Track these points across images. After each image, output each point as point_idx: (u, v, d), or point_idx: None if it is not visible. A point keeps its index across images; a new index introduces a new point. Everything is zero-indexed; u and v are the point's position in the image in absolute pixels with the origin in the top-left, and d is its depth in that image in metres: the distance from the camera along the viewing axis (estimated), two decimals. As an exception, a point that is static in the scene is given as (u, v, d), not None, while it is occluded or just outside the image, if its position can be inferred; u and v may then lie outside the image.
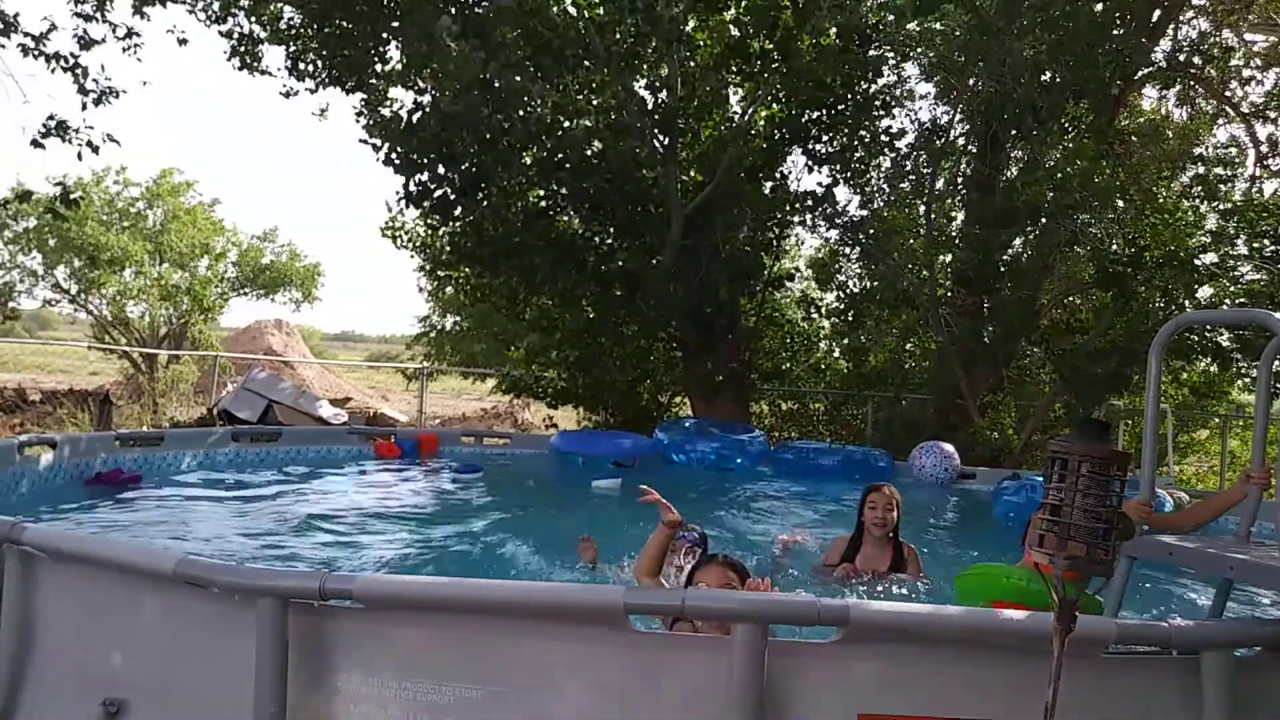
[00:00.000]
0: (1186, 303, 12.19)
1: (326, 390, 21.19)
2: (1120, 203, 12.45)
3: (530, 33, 10.44)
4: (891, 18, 12.97)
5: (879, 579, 5.11)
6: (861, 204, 14.77)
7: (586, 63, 11.27)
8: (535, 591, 2.90)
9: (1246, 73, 15.50)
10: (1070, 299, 14.93)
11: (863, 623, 2.63)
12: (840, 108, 12.91)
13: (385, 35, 12.70)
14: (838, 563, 5.29)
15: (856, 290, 15.76)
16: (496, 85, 10.43)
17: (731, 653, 2.57)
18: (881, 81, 13.50)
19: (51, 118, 11.16)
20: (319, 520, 6.77)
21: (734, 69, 12.82)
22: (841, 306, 15.93)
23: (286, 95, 13.43)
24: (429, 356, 27.13)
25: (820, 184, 14.23)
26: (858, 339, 16.42)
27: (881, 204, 14.90)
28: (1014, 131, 13.22)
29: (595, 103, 12.62)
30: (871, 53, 12.75)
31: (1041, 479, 2.59)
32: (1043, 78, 12.64)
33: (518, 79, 10.66)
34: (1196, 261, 12.28)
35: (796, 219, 14.40)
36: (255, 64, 13.22)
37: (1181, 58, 14.88)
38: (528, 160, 12.40)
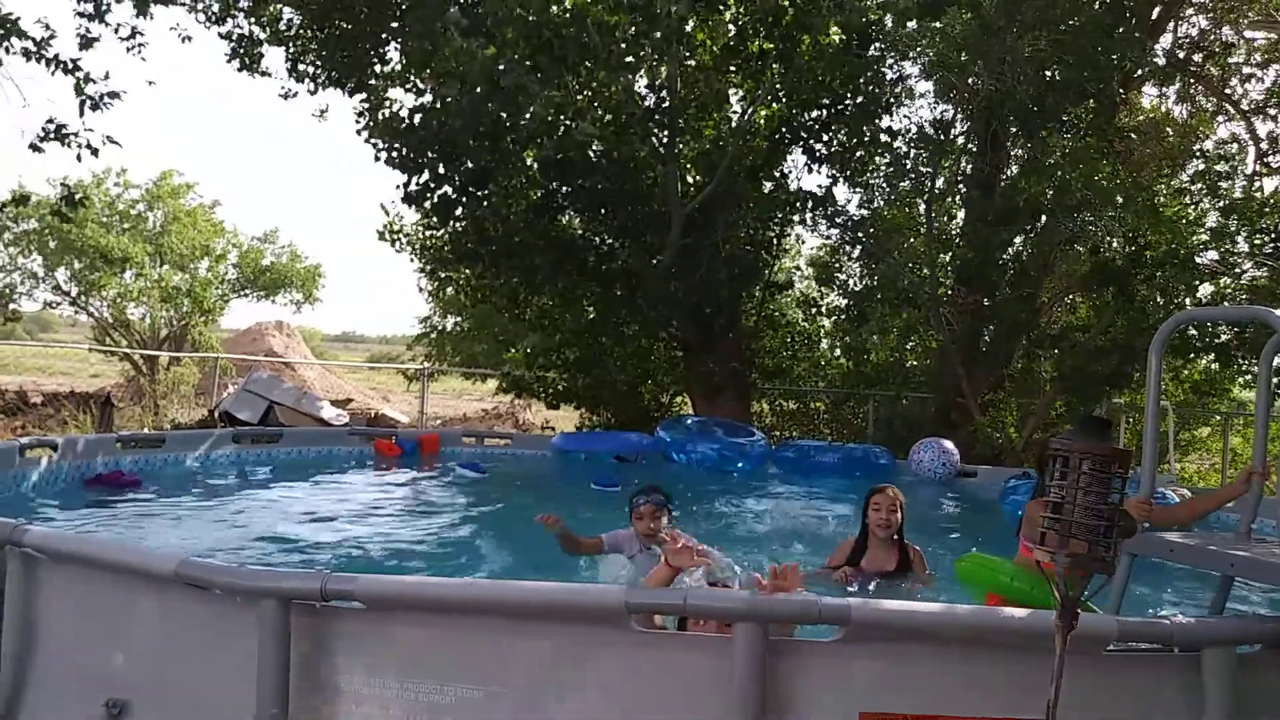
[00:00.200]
0: (1187, 301, 12.19)
1: (327, 391, 21.20)
2: (1120, 200, 12.44)
3: (529, 31, 10.44)
4: (890, 19, 12.97)
5: (885, 581, 5.10)
6: (862, 203, 14.77)
7: (586, 62, 11.27)
8: (536, 592, 2.90)
9: (1246, 70, 15.49)
10: (1071, 297, 14.92)
11: (864, 622, 2.64)
12: (840, 107, 12.91)
13: (385, 36, 12.71)
14: (843, 564, 5.29)
15: (858, 289, 15.75)
16: (502, 83, 10.41)
17: (733, 652, 2.57)
18: (882, 80, 13.49)
19: (51, 121, 11.15)
20: (320, 521, 6.77)
21: (734, 68, 12.83)
22: (843, 304, 15.93)
23: (286, 96, 13.45)
24: (430, 357, 27.13)
25: (820, 184, 14.24)
26: (859, 337, 16.41)
27: (882, 203, 14.90)
28: (1014, 130, 13.22)
29: (596, 103, 12.63)
30: (872, 52, 12.75)
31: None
32: (1044, 75, 12.63)
33: (523, 76, 10.66)
34: (1197, 259, 12.28)
35: (797, 218, 14.41)
36: (255, 65, 13.23)
37: (1181, 55, 14.87)
38: (529, 159, 12.41)
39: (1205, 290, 12.57)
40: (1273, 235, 12.05)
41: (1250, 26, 14.81)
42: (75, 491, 7.07)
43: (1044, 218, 12.74)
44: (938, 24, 12.61)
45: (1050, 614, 2.20)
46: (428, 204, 11.90)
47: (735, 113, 13.72)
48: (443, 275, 16.29)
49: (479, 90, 10.65)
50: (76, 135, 11.14)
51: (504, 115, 10.88)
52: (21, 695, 3.18)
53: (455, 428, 16.96)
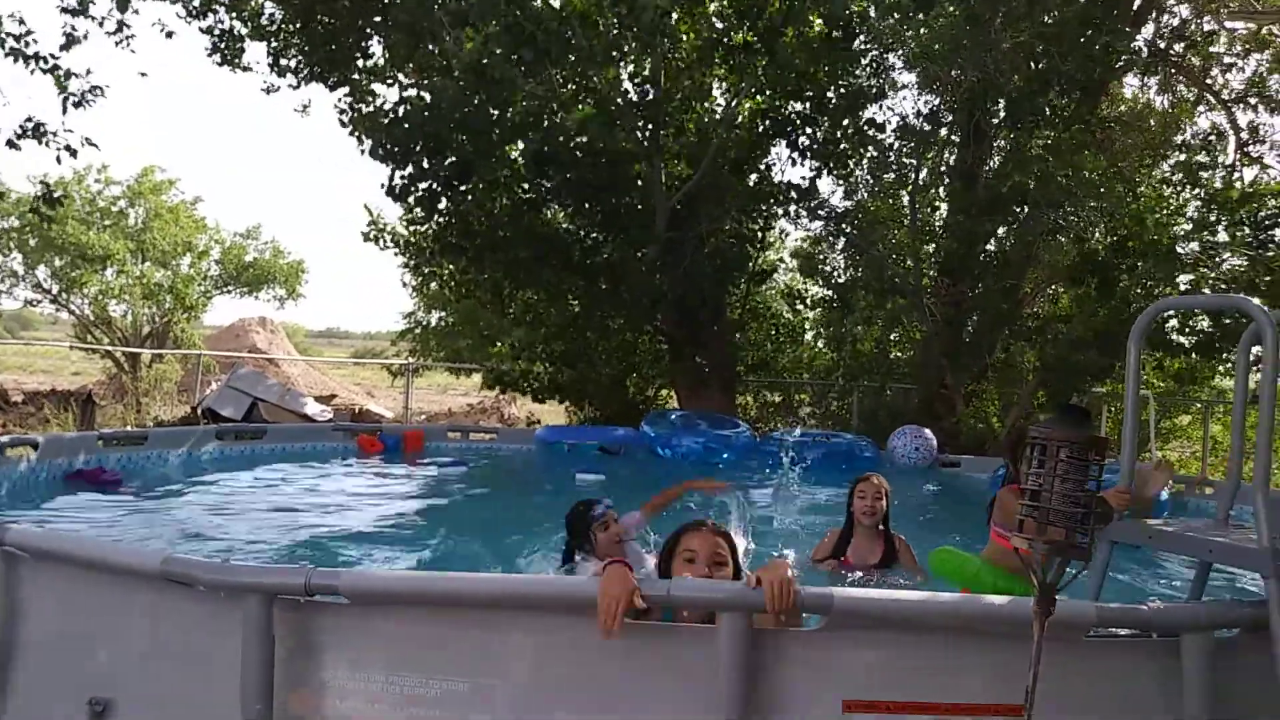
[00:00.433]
0: (1168, 290, 12.27)
1: (311, 387, 21.13)
2: (1102, 191, 12.51)
3: (512, 24, 10.42)
4: (874, 10, 12.99)
5: (872, 571, 5.12)
6: (845, 195, 14.80)
7: (570, 55, 11.25)
8: (520, 584, 2.91)
9: (1227, 59, 15.59)
10: (1053, 288, 15.01)
11: (846, 611, 2.65)
12: (824, 99, 12.93)
13: (368, 30, 12.66)
14: (829, 555, 5.31)
15: (842, 280, 15.80)
16: (490, 76, 10.39)
17: (718, 642, 2.59)
18: (865, 72, 13.53)
19: (29, 119, 11.08)
20: (304, 517, 6.77)
21: (717, 61, 12.83)
22: (827, 296, 15.98)
23: (268, 91, 13.38)
24: (414, 353, 27.06)
25: (804, 176, 14.27)
26: (843, 328, 16.47)
27: (865, 195, 14.95)
28: (997, 121, 13.28)
29: (580, 96, 12.62)
30: (855, 45, 12.77)
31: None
32: (1029, 66, 12.69)
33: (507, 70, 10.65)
34: (1178, 249, 12.36)
35: (781, 211, 14.43)
36: (237, 60, 13.15)
37: (1163, 45, 14.95)
38: (513, 154, 12.39)
39: (1185, 280, 12.66)
40: (1252, 225, 12.14)
41: (1230, 16, 14.90)
42: (57, 490, 7.03)
43: (1026, 209, 12.80)
44: (922, 16, 12.65)
45: (1029, 601, 2.23)
46: (412, 198, 11.86)
47: (719, 105, 13.72)
48: (426, 270, 16.25)
49: (463, 84, 10.63)
50: (55, 135, 11.07)
51: (488, 109, 10.85)
52: (5, 693, 3.17)
53: (440, 423, 16.94)
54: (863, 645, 2.70)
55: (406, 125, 11.09)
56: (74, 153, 11.26)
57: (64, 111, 11.02)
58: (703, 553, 3.11)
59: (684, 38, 12.68)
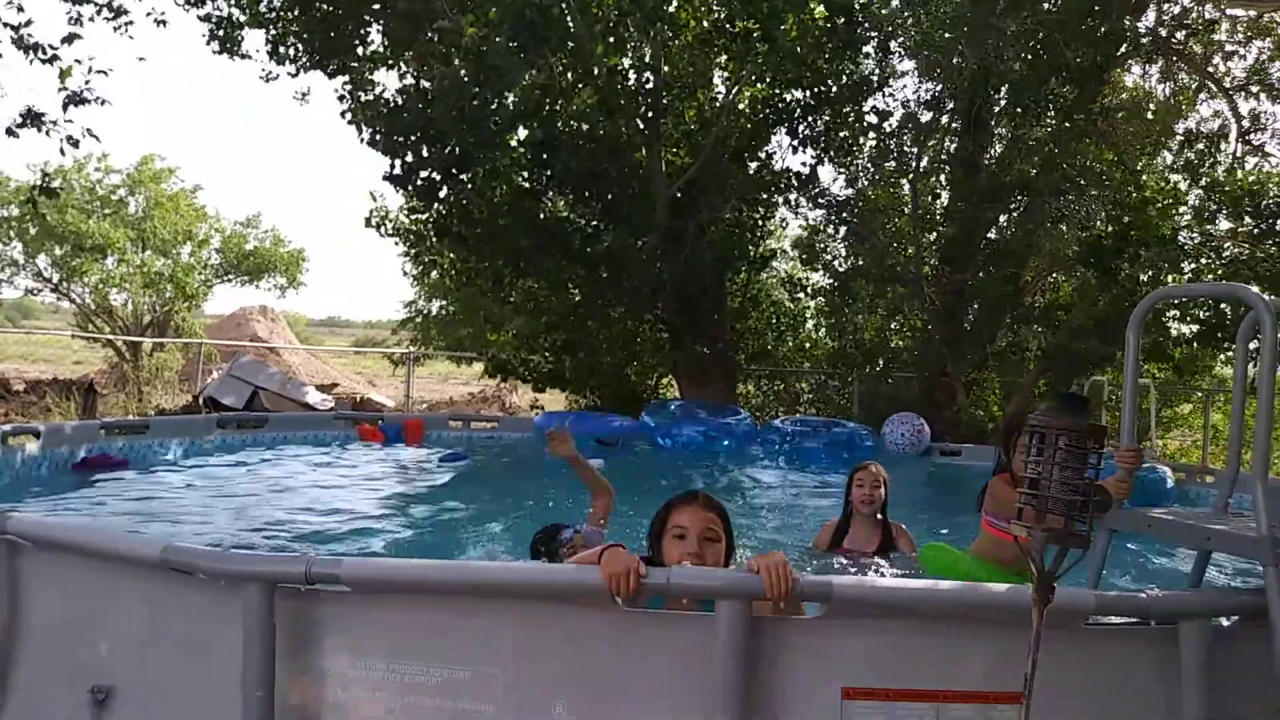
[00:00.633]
0: (1170, 279, 12.26)
1: (313, 376, 21.15)
2: (1104, 180, 12.49)
3: (513, 11, 10.39)
4: None
5: (869, 559, 5.13)
6: (846, 183, 14.78)
7: (569, 42, 11.22)
8: (521, 572, 2.92)
9: (1229, 47, 15.52)
10: (1054, 276, 15.00)
11: (845, 599, 2.66)
12: (824, 87, 12.90)
13: (367, 17, 12.62)
14: (828, 544, 5.32)
15: (843, 269, 15.79)
16: (490, 63, 10.36)
17: (717, 630, 2.59)
18: (866, 60, 13.50)
19: (29, 109, 11.07)
20: (305, 505, 6.78)
21: (718, 48, 12.79)
22: (828, 285, 15.97)
23: (266, 80, 13.35)
24: (415, 341, 27.08)
25: (805, 164, 14.26)
26: (844, 317, 16.47)
27: (866, 183, 14.92)
28: (998, 109, 13.25)
29: (581, 83, 12.59)
30: (857, 32, 12.73)
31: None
32: (1031, 53, 12.65)
33: (508, 55, 10.62)
34: (1180, 238, 12.34)
35: (781, 199, 14.41)
36: (235, 48, 13.11)
37: (1164, 32, 14.89)
38: (513, 141, 12.36)
39: (1187, 268, 12.64)
40: (1253, 214, 12.12)
41: (1231, 4, 14.83)
42: (59, 478, 7.05)
43: (1027, 196, 12.78)
44: (923, 3, 12.61)
45: (1028, 589, 2.23)
46: (411, 187, 11.85)
47: (720, 93, 13.69)
48: (427, 259, 16.25)
49: (462, 71, 10.60)
50: (55, 124, 11.07)
51: (488, 97, 10.83)
52: (7, 681, 3.18)
53: (442, 412, 16.96)
54: (862, 633, 2.71)
55: (405, 114, 11.07)
56: (75, 143, 11.26)
57: (64, 109, 11.02)
58: (693, 529, 3.02)
59: (684, 25, 12.65)
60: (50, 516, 4.98)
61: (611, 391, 14.12)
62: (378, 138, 11.37)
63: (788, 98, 13.00)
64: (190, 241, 25.96)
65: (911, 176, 14.28)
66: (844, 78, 12.90)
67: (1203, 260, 12.49)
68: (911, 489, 8.56)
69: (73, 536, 3.22)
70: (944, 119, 14.51)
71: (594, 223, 13.25)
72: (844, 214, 14.44)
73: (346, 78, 12.90)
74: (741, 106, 13.46)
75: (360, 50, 12.94)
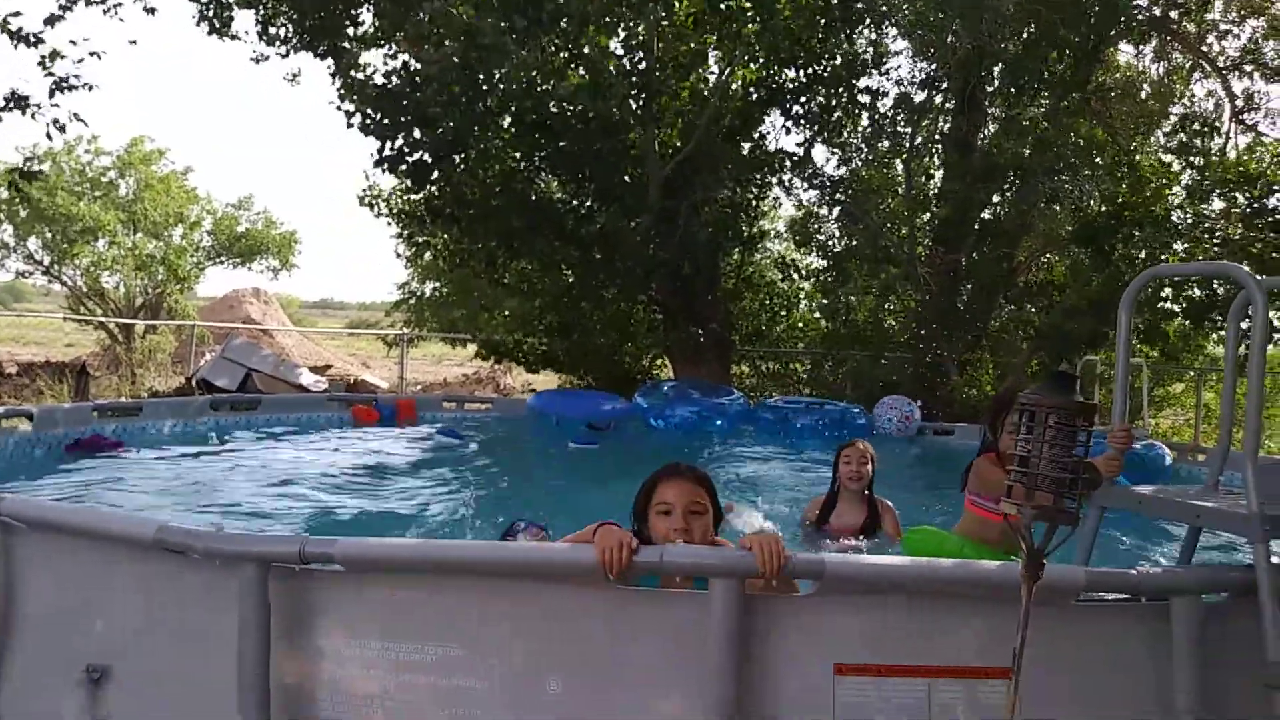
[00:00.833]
0: (1164, 258, 12.28)
1: (306, 358, 21.10)
2: (1098, 160, 12.49)
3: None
4: None
5: (854, 538, 5.14)
6: (840, 163, 14.76)
7: (562, 21, 11.16)
8: (513, 551, 2.93)
9: (1223, 26, 15.49)
10: (1047, 256, 15.02)
11: (838, 576, 2.68)
12: (818, 66, 12.86)
13: (358, -2, 12.52)
14: (815, 521, 5.35)
15: (837, 249, 15.78)
16: (481, 43, 10.29)
17: (710, 607, 2.61)
18: (860, 39, 13.46)
19: (13, 93, 11.02)
20: (299, 486, 6.78)
21: (711, 28, 12.73)
22: (822, 265, 15.97)
23: (257, 61, 13.25)
24: (409, 323, 27.03)
25: (798, 144, 14.24)
26: (838, 298, 16.48)
27: (860, 163, 14.90)
28: (991, 89, 13.22)
29: (573, 64, 12.53)
30: (851, 12, 12.68)
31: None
32: (1025, 32, 12.62)
33: (499, 35, 10.55)
34: (1173, 217, 12.36)
35: (775, 179, 14.39)
36: (225, 29, 13.01)
37: (1158, 11, 14.86)
38: (505, 122, 12.31)
39: (1180, 248, 12.67)
40: (1246, 194, 12.13)
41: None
42: (52, 460, 7.04)
43: (1021, 176, 12.78)
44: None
45: (1019, 565, 2.25)
46: (403, 169, 11.80)
47: (713, 73, 13.64)
48: (420, 240, 16.21)
49: (453, 52, 10.54)
50: (40, 107, 11.03)
51: (479, 78, 10.77)
52: (2, 661, 3.19)
53: (436, 393, 16.95)
54: (854, 610, 2.73)
55: (396, 97, 11.01)
56: (62, 128, 11.23)
57: (50, 95, 10.96)
58: (679, 504, 2.99)
59: (677, 3, 12.58)
60: (44, 498, 4.98)
61: (605, 373, 14.12)
62: (368, 122, 11.32)
63: (782, 77, 12.96)
64: (182, 224, 25.82)
65: (905, 157, 14.26)
66: (838, 57, 12.85)
67: (1196, 240, 12.51)
68: (904, 468, 8.60)
69: (67, 517, 3.22)
70: (938, 99, 14.48)
71: (587, 203, 13.22)
72: (837, 194, 14.43)
73: (337, 59, 12.80)
74: (735, 87, 13.41)
75: (351, 31, 12.84)
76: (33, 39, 10.82)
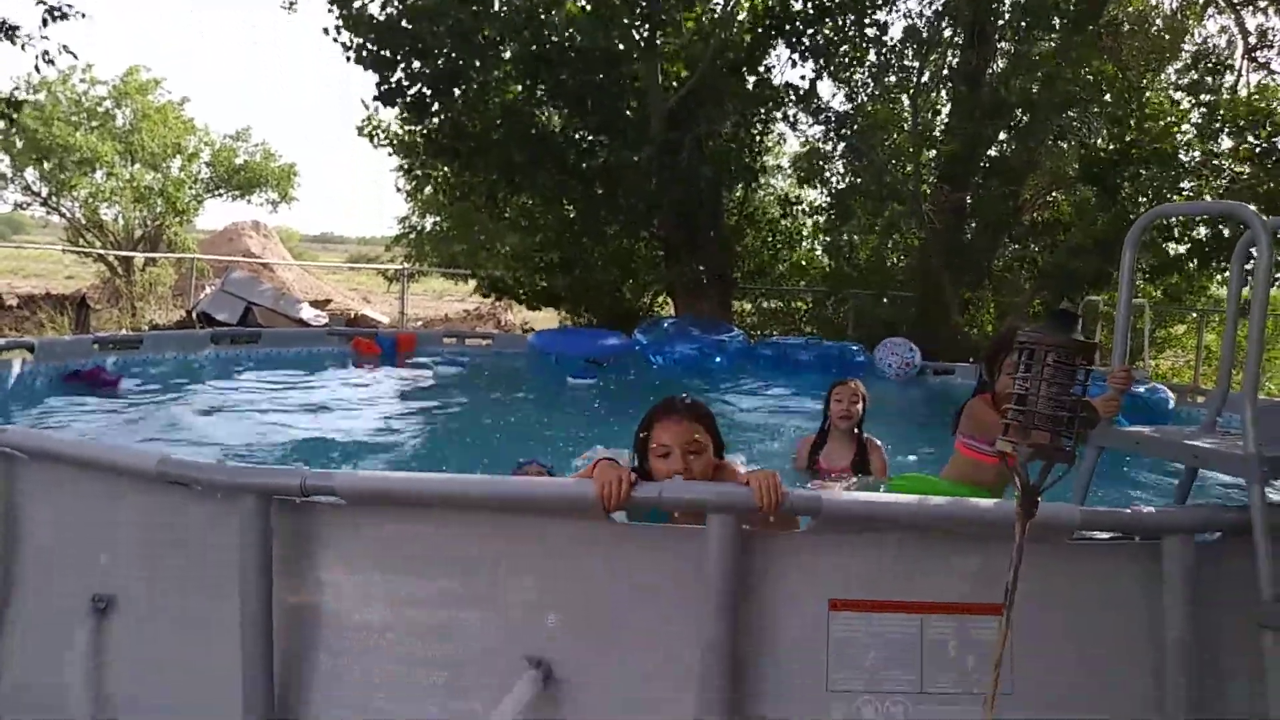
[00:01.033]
0: (1170, 197, 12.17)
1: (306, 292, 21.07)
2: (1107, 97, 12.31)
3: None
4: None
5: (843, 476, 5.17)
6: (846, 98, 14.57)
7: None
8: (514, 485, 2.94)
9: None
10: (1054, 195, 14.89)
11: (834, 513, 2.69)
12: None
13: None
14: (806, 459, 5.37)
15: (841, 186, 15.65)
16: None
17: (707, 543, 2.62)
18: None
19: (3, 23, 10.84)
20: (300, 420, 6.82)
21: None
22: (826, 203, 15.85)
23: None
24: (409, 258, 26.93)
25: (804, 78, 14.05)
26: (840, 236, 16.39)
27: (866, 98, 14.71)
28: (1001, 23, 12.99)
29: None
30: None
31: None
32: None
33: None
34: (1181, 156, 12.22)
35: (779, 113, 14.21)
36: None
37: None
38: (506, 55, 12.12)
39: (1187, 187, 12.55)
40: (1256, 133, 11.98)
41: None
42: (54, 393, 7.06)
43: (1030, 113, 12.61)
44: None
45: (1014, 503, 2.26)
46: (401, 101, 11.66)
47: (718, 4, 13.40)
48: (420, 173, 16.06)
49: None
50: (30, 38, 10.87)
51: (475, 8, 10.59)
52: (9, 591, 3.22)
53: (437, 328, 16.94)
54: (850, 547, 2.75)
55: (392, 28, 10.83)
56: (50, 61, 11.10)
57: (43, 25, 10.79)
58: (677, 444, 2.97)
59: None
60: (46, 429, 5.00)
61: (607, 310, 14.09)
62: (365, 54, 11.14)
63: (788, 8, 12.72)
64: (180, 155, 25.61)
65: (912, 91, 14.06)
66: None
67: (1203, 179, 12.38)
68: (905, 407, 8.62)
69: (67, 449, 3.23)
70: (947, 33, 14.24)
71: (589, 137, 13.07)
72: (843, 129, 14.26)
73: None
74: (741, 17, 13.17)
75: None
76: None
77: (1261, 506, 2.68)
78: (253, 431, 6.36)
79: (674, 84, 12.65)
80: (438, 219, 24.73)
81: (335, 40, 11.58)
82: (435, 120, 12.53)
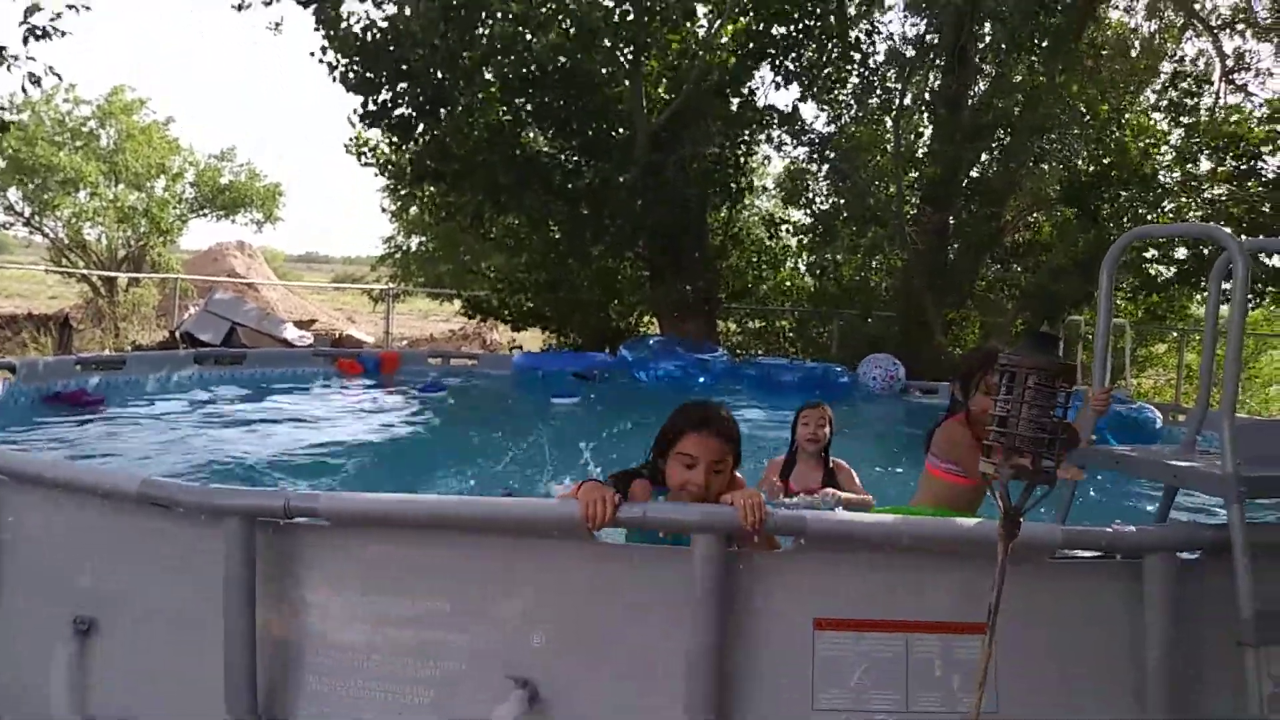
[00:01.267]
0: (1150, 219, 12.31)
1: (291, 312, 21.00)
2: (1087, 118, 12.46)
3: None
4: None
5: (811, 496, 5.16)
6: (829, 120, 14.69)
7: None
8: (498, 506, 2.94)
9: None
10: (1035, 216, 15.03)
11: (819, 533, 2.70)
12: (809, 20, 12.73)
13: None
14: (775, 481, 5.36)
15: (825, 207, 15.75)
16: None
17: (693, 563, 2.63)
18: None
19: None
20: (284, 441, 6.79)
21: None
22: (809, 223, 15.94)
23: (239, 8, 13.02)
24: (395, 278, 26.90)
25: (788, 102, 14.17)
26: (825, 257, 16.48)
27: (849, 120, 14.83)
28: (982, 45, 13.14)
29: (559, 15, 12.37)
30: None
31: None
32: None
33: None
34: (1161, 178, 12.37)
35: (764, 135, 14.30)
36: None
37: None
38: (490, 76, 12.16)
39: (1168, 209, 12.69)
40: (1234, 155, 12.13)
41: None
42: (36, 413, 7.01)
43: (1010, 135, 12.74)
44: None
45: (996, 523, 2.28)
46: (387, 123, 11.69)
47: (702, 26, 13.50)
48: (405, 193, 16.08)
49: (434, 5, 10.40)
50: (17, 58, 10.83)
51: (461, 31, 10.64)
52: (-11, 614, 3.20)
53: (422, 348, 16.91)
54: (834, 566, 2.76)
55: (377, 49, 10.87)
56: (37, 81, 11.05)
57: (24, 43, 10.76)
58: (704, 459, 2.92)
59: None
60: (28, 451, 4.97)
61: (592, 330, 14.11)
62: (350, 76, 11.16)
63: (772, 32, 12.83)
64: (164, 175, 25.52)
65: (894, 113, 14.19)
66: (829, 15, 12.71)
67: (1183, 200, 12.53)
68: (887, 426, 8.65)
69: (51, 471, 3.21)
70: (929, 55, 14.39)
71: (574, 158, 13.11)
72: (826, 150, 14.38)
73: (320, 6, 12.57)
74: (724, 40, 13.27)
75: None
76: None
77: (1240, 526, 2.71)
78: (236, 452, 6.33)
79: (659, 106, 12.73)
80: (423, 239, 24.74)
81: (321, 61, 11.61)
82: (420, 141, 12.55)
